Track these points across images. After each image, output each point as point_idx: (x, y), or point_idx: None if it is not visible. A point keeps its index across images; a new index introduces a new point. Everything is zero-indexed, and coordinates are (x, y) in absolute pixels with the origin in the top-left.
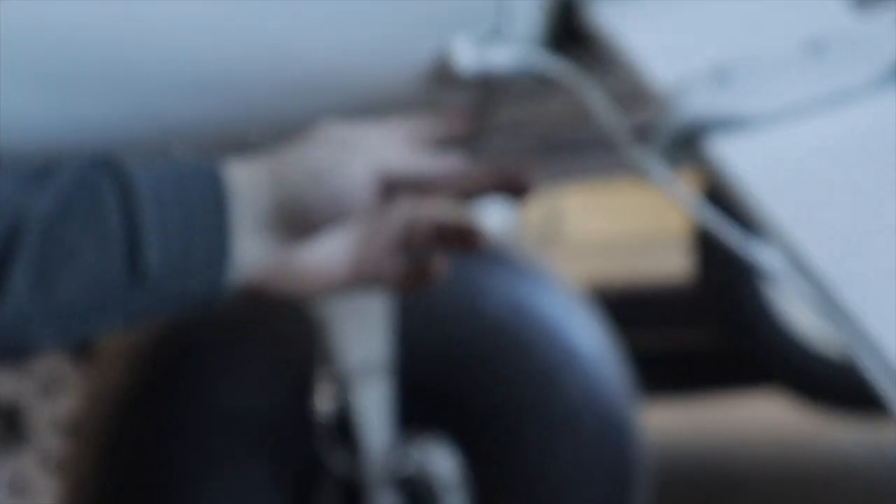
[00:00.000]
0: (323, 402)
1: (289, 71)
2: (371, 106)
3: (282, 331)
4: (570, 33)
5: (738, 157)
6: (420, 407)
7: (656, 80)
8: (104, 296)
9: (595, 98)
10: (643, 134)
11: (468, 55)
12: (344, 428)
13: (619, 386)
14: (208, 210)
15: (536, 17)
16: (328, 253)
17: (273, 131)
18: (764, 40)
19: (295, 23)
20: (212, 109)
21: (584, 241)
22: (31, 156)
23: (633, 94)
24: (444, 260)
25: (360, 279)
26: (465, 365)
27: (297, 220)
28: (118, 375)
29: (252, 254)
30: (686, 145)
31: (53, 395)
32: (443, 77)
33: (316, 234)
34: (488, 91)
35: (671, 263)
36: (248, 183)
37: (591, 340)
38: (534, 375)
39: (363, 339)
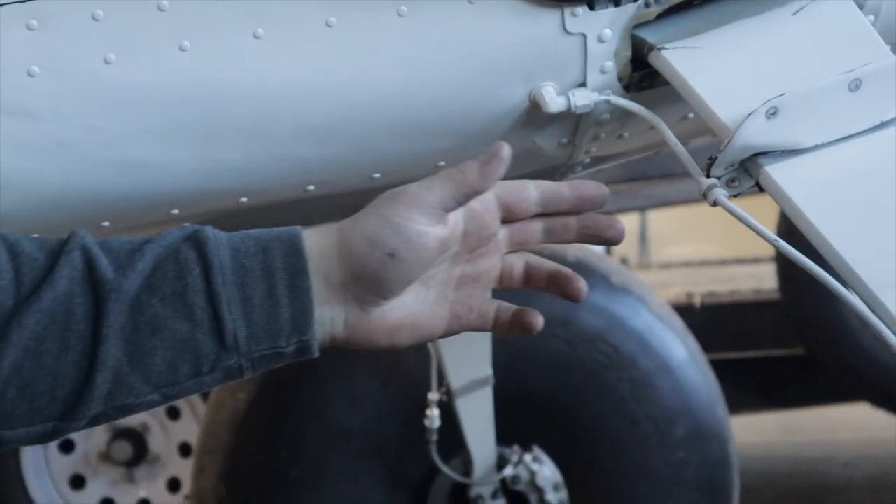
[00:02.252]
0: (433, 416)
1: (403, 117)
2: (475, 143)
3: (393, 350)
4: (643, 73)
5: (787, 180)
6: (520, 417)
7: (717, 116)
8: (196, 362)
9: (667, 132)
10: (710, 163)
11: (556, 99)
12: (453, 439)
13: (710, 395)
14: (290, 280)
15: (615, 65)
16: (417, 309)
17: (390, 171)
18: (809, 78)
19: (409, 74)
20: (336, 154)
21: (674, 260)
22: (174, 203)
23: (701, 126)
24: (537, 314)
25: (457, 331)
26: (562, 376)
27: (367, 284)
28: (238, 398)
29: (330, 315)
30: (745, 173)
31: (176, 420)
32: (534, 117)
33: (395, 292)
34: (574, 129)
35: (757, 281)
36: (320, 253)
37: (683, 352)
38: (629, 384)
39: (469, 358)
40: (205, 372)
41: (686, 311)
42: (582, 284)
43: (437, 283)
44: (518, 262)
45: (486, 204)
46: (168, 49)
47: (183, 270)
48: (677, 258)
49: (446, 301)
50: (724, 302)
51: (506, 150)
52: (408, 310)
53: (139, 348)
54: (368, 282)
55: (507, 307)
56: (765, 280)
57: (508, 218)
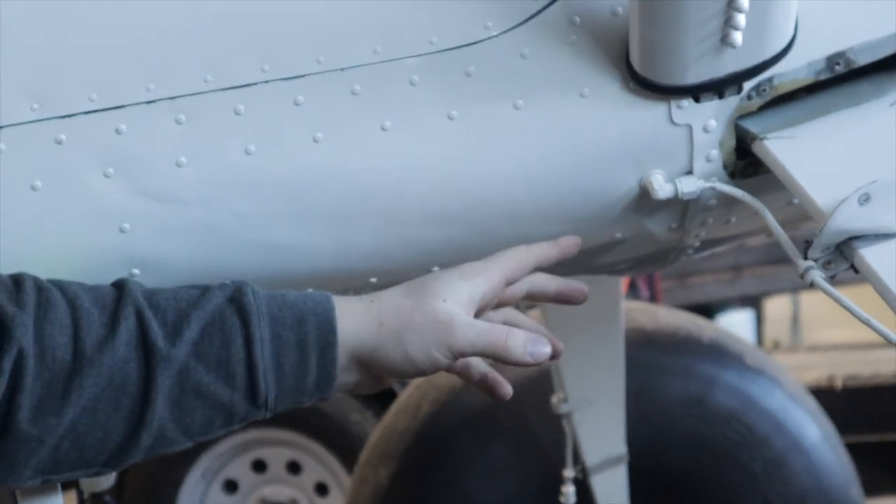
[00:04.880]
0: (569, 493)
1: (519, 203)
2: (588, 227)
3: (530, 428)
4: (746, 161)
5: (880, 263)
6: (654, 494)
7: (814, 202)
8: (230, 418)
9: (768, 217)
10: (807, 246)
11: (664, 186)
12: None
13: (845, 476)
14: (320, 352)
15: (720, 153)
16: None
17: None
18: None
19: (524, 163)
20: (458, 237)
21: (823, 343)
22: (309, 282)
23: (800, 211)
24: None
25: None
26: (696, 454)
27: (383, 370)
28: (380, 474)
29: (349, 379)
30: (841, 256)
31: (325, 494)
32: (644, 203)
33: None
34: (683, 214)
35: None
36: (353, 329)
37: (816, 433)
38: (762, 463)
39: (603, 436)
40: (234, 423)
41: (827, 394)
42: (584, 289)
43: None
44: (497, 315)
45: (495, 286)
46: (303, 140)
47: (227, 340)
48: (828, 341)
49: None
50: (866, 385)
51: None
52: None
53: (182, 409)
54: (387, 373)
55: (486, 368)
56: None
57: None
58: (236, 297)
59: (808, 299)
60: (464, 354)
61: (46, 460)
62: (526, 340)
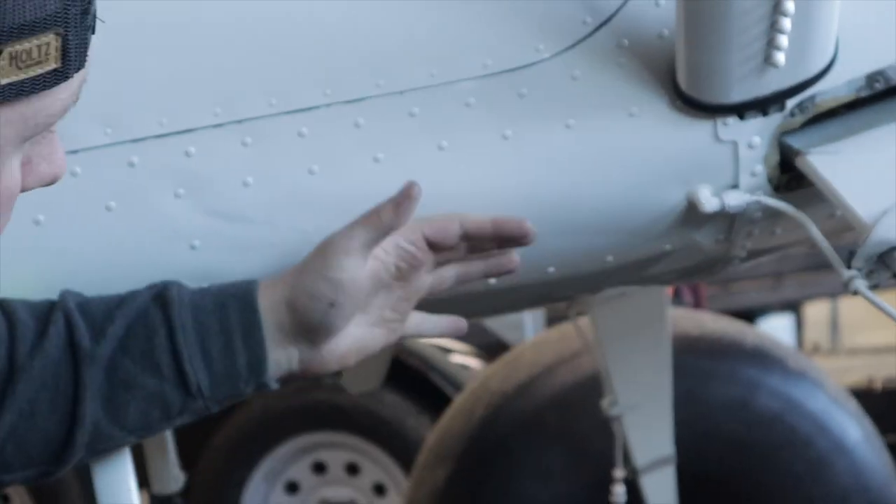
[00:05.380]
0: (619, 493)
1: (572, 218)
2: (638, 240)
3: (580, 430)
4: (790, 175)
5: None
6: (701, 494)
7: (857, 214)
8: (167, 409)
9: (812, 228)
10: (850, 257)
11: (711, 200)
12: None
13: (886, 475)
14: (244, 333)
15: (765, 168)
16: (360, 334)
17: (563, 265)
18: None
19: (576, 179)
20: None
21: (861, 346)
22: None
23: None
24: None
25: (392, 341)
26: (741, 455)
27: (315, 329)
28: (437, 475)
29: (286, 356)
30: (883, 265)
31: (383, 495)
32: (692, 217)
33: (339, 330)
34: (730, 227)
35: None
36: (271, 305)
37: (858, 433)
38: (805, 464)
39: (651, 438)
40: (174, 416)
41: (866, 395)
42: (525, 225)
43: (376, 308)
44: (448, 271)
45: (415, 242)
46: (364, 160)
47: (150, 332)
48: (866, 344)
49: (384, 321)
50: None
51: (416, 190)
52: (352, 338)
53: (114, 403)
54: (315, 328)
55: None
56: None
57: (436, 248)
58: (160, 293)
59: (847, 304)
60: (356, 250)
61: None
62: (390, 201)
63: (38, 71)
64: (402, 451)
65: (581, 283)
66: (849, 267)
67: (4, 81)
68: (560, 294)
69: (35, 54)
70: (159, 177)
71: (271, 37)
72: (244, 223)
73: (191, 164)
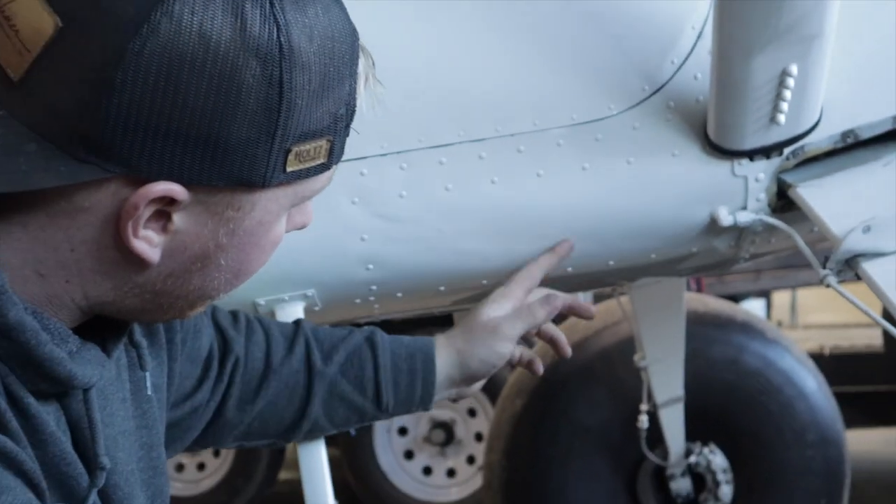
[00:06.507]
0: (643, 420)
1: (627, 227)
2: (674, 244)
3: (620, 375)
4: (783, 202)
5: (877, 273)
6: (702, 425)
7: (832, 230)
8: (362, 417)
9: (798, 239)
10: (825, 260)
11: (727, 217)
12: (656, 436)
13: (832, 414)
14: (424, 378)
15: (766, 196)
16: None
17: (621, 260)
18: (891, 205)
19: (633, 201)
20: (587, 249)
21: (813, 323)
22: (484, 276)
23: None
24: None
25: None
26: (732, 399)
27: (473, 380)
28: (516, 404)
29: (446, 394)
30: (849, 267)
31: (474, 416)
32: (712, 228)
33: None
34: (739, 237)
35: (871, 339)
36: (445, 361)
37: (814, 384)
38: (777, 405)
39: (668, 383)
40: (365, 421)
41: (819, 358)
42: (592, 310)
43: None
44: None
45: (547, 318)
46: (485, 182)
47: (362, 364)
48: (817, 322)
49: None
50: (846, 353)
51: (560, 301)
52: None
53: (330, 408)
54: (477, 380)
55: (529, 353)
56: (874, 339)
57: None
58: (370, 338)
59: (803, 293)
60: (514, 338)
61: (241, 434)
62: (542, 303)
63: (312, 164)
64: (490, 385)
65: (629, 273)
66: (824, 267)
67: (290, 170)
68: (612, 280)
69: (312, 153)
70: (341, 189)
71: (422, 89)
72: (399, 223)
73: (364, 181)
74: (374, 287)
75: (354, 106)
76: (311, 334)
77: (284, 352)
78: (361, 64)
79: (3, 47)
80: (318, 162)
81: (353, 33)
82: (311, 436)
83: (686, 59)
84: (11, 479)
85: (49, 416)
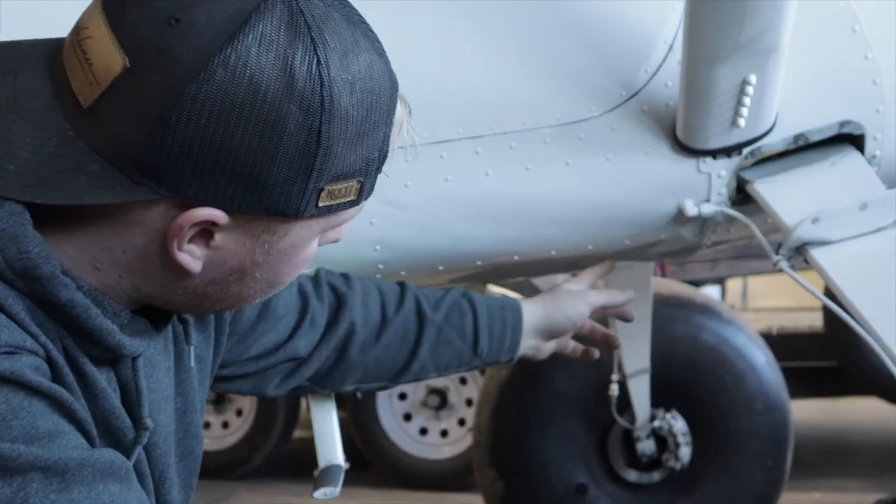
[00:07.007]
0: (614, 388)
1: (604, 217)
2: (646, 231)
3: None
4: (742, 195)
5: (824, 259)
6: (666, 393)
7: (784, 221)
8: (461, 360)
9: (755, 229)
10: (778, 247)
11: (692, 208)
12: (625, 402)
13: (779, 386)
14: (513, 329)
15: (727, 190)
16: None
17: (599, 244)
18: (837, 201)
19: (610, 193)
20: (573, 234)
21: (762, 307)
22: (478, 258)
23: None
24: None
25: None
26: (691, 370)
27: (556, 334)
28: (501, 374)
29: (530, 345)
30: (799, 254)
31: (465, 384)
32: (679, 218)
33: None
34: (702, 226)
35: (813, 321)
36: (531, 313)
37: (763, 359)
38: (730, 376)
39: (636, 355)
40: (462, 367)
41: (767, 337)
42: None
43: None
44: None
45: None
46: (480, 174)
47: (463, 313)
48: (765, 306)
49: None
50: (791, 333)
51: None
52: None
53: (436, 352)
54: (556, 333)
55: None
56: (816, 321)
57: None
58: (465, 294)
59: (753, 281)
60: (593, 305)
61: (360, 377)
62: (618, 301)
63: (342, 200)
64: None
65: (605, 257)
66: (777, 253)
67: (322, 205)
68: (589, 262)
69: (343, 192)
70: None
71: (426, 91)
72: (404, 209)
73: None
74: (381, 266)
75: (387, 151)
76: (417, 291)
77: (396, 304)
78: (398, 112)
79: (76, 76)
80: (349, 199)
81: (392, 86)
82: (417, 377)
83: (658, 69)
84: (66, 425)
85: (101, 375)
